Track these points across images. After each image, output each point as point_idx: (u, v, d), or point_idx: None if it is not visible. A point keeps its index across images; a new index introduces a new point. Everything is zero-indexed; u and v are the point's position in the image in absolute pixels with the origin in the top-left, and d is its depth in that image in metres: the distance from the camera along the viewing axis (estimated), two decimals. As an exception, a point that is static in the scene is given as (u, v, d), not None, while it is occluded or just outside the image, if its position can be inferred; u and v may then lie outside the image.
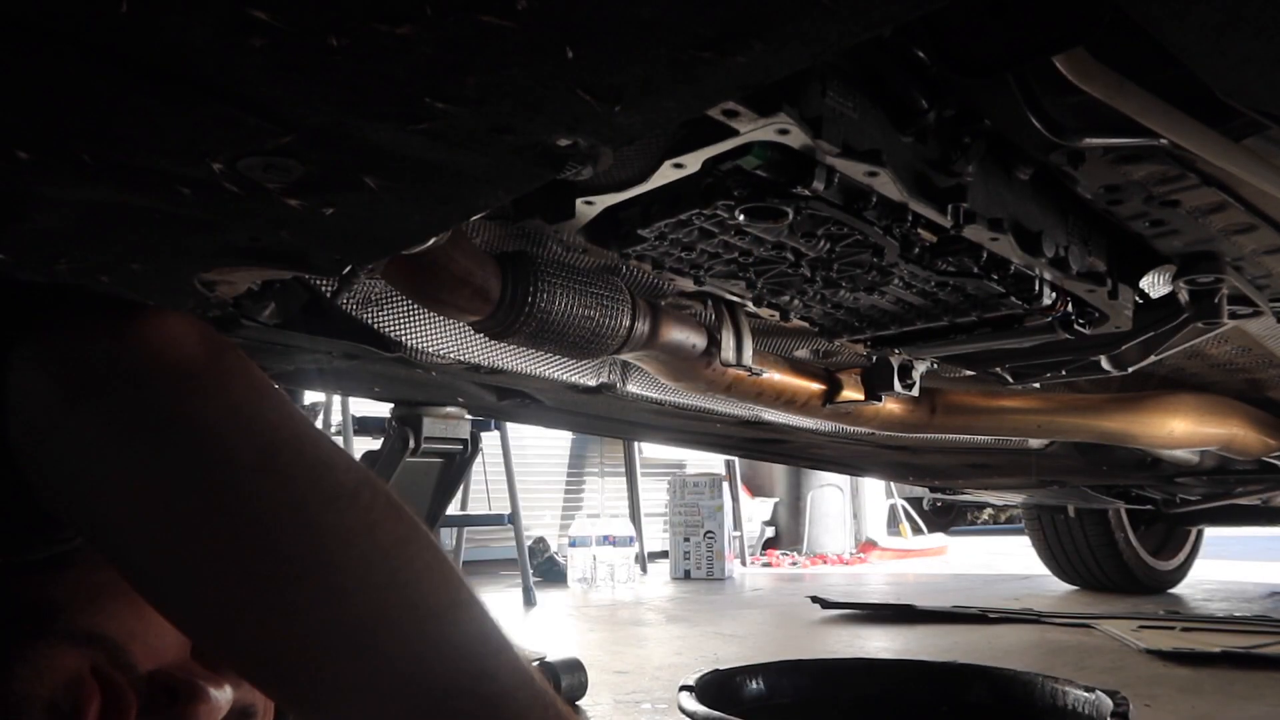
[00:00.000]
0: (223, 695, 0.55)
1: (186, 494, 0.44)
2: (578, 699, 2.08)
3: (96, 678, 0.51)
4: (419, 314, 1.25)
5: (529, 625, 3.50)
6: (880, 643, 3.01)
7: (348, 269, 0.96)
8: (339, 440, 3.83)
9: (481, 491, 5.01)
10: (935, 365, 1.63)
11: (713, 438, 2.27)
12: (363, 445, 3.64)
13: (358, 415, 3.88)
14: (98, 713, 0.50)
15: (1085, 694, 1.16)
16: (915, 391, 1.60)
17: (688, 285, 1.19)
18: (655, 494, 6.19)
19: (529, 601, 3.96)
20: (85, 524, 0.46)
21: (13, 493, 0.46)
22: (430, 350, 1.26)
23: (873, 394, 1.63)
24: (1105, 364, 1.41)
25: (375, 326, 1.19)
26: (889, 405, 1.74)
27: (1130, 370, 1.42)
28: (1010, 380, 1.52)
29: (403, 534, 0.49)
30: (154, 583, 0.46)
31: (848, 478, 6.91)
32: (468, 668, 0.46)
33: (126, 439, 0.45)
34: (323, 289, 1.10)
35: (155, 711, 0.51)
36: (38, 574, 0.54)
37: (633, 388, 1.56)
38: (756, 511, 6.84)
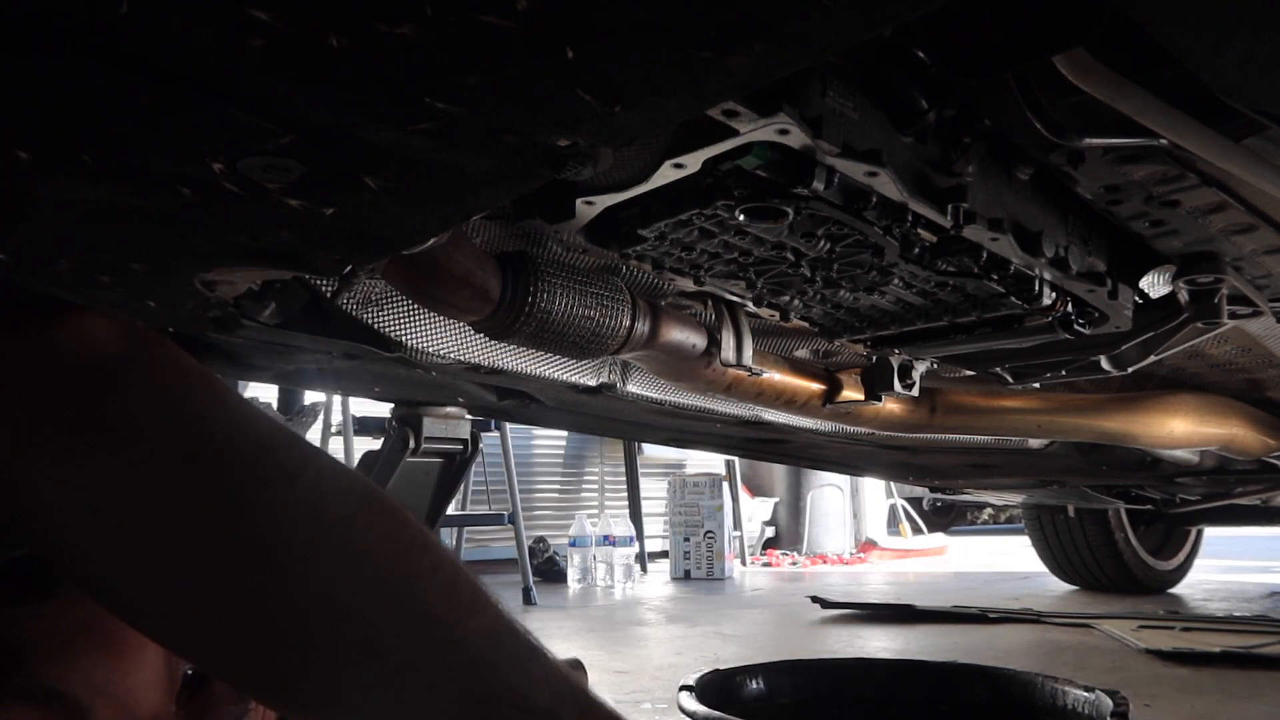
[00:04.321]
0: None
1: (115, 491, 0.43)
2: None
3: None
4: (419, 314, 1.25)
5: (529, 625, 3.49)
6: (880, 643, 3.01)
7: (348, 269, 0.96)
8: (339, 441, 3.83)
9: (482, 491, 5.01)
10: (935, 365, 1.63)
11: (713, 438, 2.27)
12: (363, 445, 3.65)
13: (358, 415, 3.89)
14: None
15: (1085, 694, 1.16)
16: (915, 391, 1.60)
17: (688, 285, 1.19)
18: (655, 494, 6.19)
19: (529, 601, 3.96)
20: (24, 528, 0.45)
21: None
22: (430, 350, 1.26)
23: (873, 394, 1.63)
24: (1105, 364, 1.41)
25: (375, 326, 1.19)
26: (889, 405, 1.74)
27: (1130, 370, 1.42)
28: (1010, 380, 1.52)
29: (364, 507, 0.49)
30: (107, 588, 0.45)
31: (848, 478, 6.90)
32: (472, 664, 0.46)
33: (50, 437, 0.44)
34: (323, 289, 1.10)
35: None
36: (14, 607, 0.51)
37: (633, 388, 1.55)
38: (756, 511, 6.84)
